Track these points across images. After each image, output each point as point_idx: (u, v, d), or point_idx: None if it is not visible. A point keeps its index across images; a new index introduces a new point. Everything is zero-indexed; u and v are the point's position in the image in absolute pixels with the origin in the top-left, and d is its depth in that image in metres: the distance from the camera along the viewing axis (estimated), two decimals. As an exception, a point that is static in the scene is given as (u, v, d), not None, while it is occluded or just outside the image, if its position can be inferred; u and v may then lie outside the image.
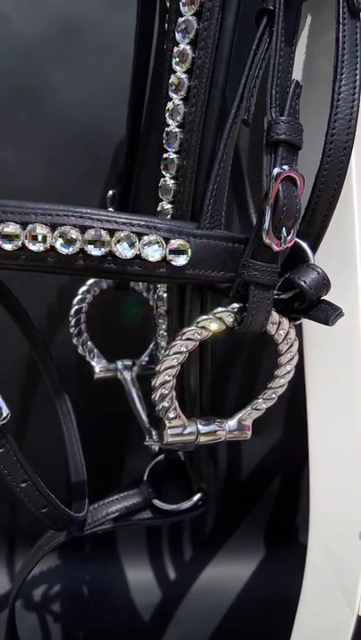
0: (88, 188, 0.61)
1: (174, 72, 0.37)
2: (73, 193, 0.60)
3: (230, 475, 0.78)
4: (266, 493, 0.80)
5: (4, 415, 0.36)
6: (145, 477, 0.56)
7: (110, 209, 0.60)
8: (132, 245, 0.34)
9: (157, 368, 0.38)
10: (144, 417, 0.58)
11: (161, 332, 0.47)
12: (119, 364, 0.61)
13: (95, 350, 0.61)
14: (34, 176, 0.60)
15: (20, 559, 0.75)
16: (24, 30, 0.57)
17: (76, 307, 0.60)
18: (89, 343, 0.61)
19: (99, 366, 0.61)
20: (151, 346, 0.63)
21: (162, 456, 0.57)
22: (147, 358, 0.63)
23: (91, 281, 0.60)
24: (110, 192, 0.59)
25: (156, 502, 0.54)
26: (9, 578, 0.75)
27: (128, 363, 0.61)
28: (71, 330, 0.60)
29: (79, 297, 0.60)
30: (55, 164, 0.61)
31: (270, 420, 0.74)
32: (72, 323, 0.60)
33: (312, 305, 0.37)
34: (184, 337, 0.37)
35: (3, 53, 0.58)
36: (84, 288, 0.60)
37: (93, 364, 0.61)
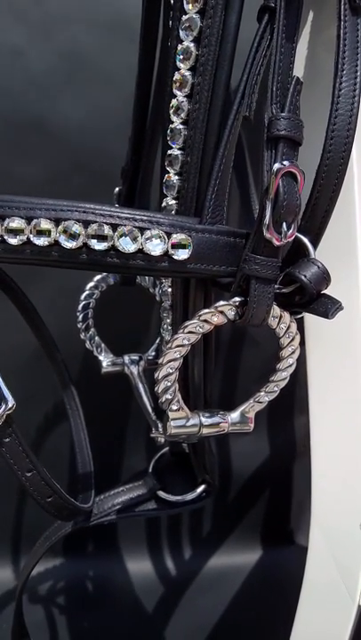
0: (89, 198, 0.65)
1: (178, 69, 0.37)
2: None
3: (227, 474, 0.79)
4: (262, 493, 0.81)
5: (10, 405, 0.37)
6: (150, 469, 0.57)
7: (116, 205, 0.60)
8: (134, 240, 0.34)
9: (160, 361, 0.38)
10: (151, 410, 0.59)
11: (166, 325, 0.48)
12: (126, 358, 0.62)
13: (102, 345, 0.62)
14: (39, 189, 0.65)
15: (25, 555, 0.77)
16: (34, 62, 0.64)
17: (84, 302, 0.60)
18: (96, 338, 0.62)
19: (106, 361, 0.62)
20: (158, 340, 0.64)
21: (166, 448, 0.58)
22: (153, 353, 0.63)
23: (98, 277, 0.61)
24: (117, 189, 0.60)
25: (161, 494, 0.55)
26: (15, 575, 0.76)
27: (135, 357, 0.62)
28: (79, 325, 0.61)
29: (86, 292, 0.61)
30: (58, 179, 0.66)
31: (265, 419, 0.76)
32: (80, 318, 0.60)
33: (312, 299, 0.37)
34: (186, 330, 0.37)
35: (15, 82, 0.64)
36: (91, 284, 0.60)
37: (101, 358, 0.62)
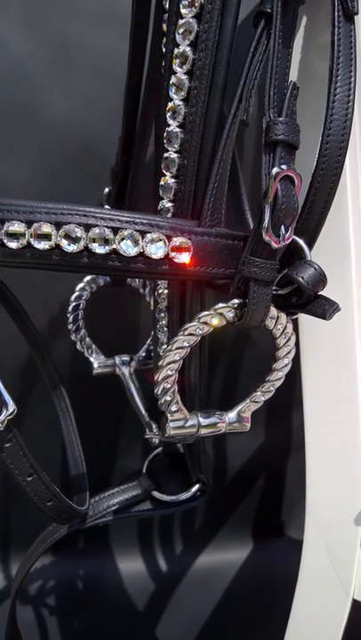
0: (78, 195, 0.64)
1: (175, 73, 0.37)
2: (64, 199, 0.63)
3: (219, 470, 0.79)
4: (253, 488, 0.82)
5: (11, 410, 0.36)
6: (144, 470, 0.57)
7: (107, 206, 0.60)
8: (135, 243, 0.34)
9: (160, 363, 0.38)
10: (143, 411, 0.59)
11: (161, 327, 0.48)
12: (117, 359, 0.62)
13: (93, 346, 0.62)
14: (27, 185, 0.64)
15: (15, 557, 0.76)
16: (18, 51, 0.61)
17: (74, 303, 0.60)
18: (87, 339, 0.61)
19: (97, 362, 0.62)
20: (148, 341, 0.64)
21: (160, 449, 0.58)
22: (144, 353, 0.64)
23: (88, 278, 0.60)
24: (107, 189, 0.60)
25: (156, 494, 0.55)
26: (4, 575, 0.76)
27: (126, 358, 0.62)
28: (69, 326, 0.60)
29: (76, 294, 0.60)
30: (47, 173, 0.64)
31: (257, 416, 0.77)
32: (70, 319, 0.60)
33: (309, 300, 0.38)
34: (186, 332, 0.37)
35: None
36: (81, 285, 0.60)
37: (92, 359, 0.62)
